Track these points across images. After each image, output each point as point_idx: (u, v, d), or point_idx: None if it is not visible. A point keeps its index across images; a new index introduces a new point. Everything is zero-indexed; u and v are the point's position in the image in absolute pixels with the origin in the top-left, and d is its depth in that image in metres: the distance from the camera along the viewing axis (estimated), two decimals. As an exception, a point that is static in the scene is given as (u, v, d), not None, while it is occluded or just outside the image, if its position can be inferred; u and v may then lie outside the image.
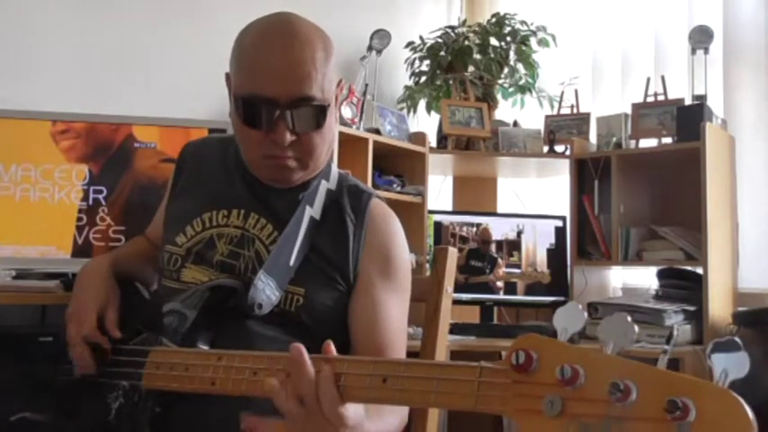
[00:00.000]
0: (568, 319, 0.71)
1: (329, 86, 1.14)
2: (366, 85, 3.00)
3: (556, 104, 3.24)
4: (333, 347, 0.88)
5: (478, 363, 0.74)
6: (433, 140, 3.10)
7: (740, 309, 2.66)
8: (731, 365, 0.62)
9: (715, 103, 2.84)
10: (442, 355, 1.35)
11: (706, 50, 2.81)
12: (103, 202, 2.09)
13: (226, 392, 0.94)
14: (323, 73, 1.12)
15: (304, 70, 1.10)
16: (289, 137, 1.11)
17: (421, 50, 3.29)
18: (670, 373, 0.62)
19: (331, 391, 0.82)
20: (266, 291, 1.12)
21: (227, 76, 1.19)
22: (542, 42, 3.27)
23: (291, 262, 1.15)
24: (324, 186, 1.24)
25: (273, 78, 1.09)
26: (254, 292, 1.11)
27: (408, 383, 0.79)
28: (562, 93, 3.23)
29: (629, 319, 0.67)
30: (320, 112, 1.13)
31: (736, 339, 0.62)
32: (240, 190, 1.24)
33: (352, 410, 0.84)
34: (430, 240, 2.97)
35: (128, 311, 1.20)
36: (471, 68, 3.24)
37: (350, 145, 2.66)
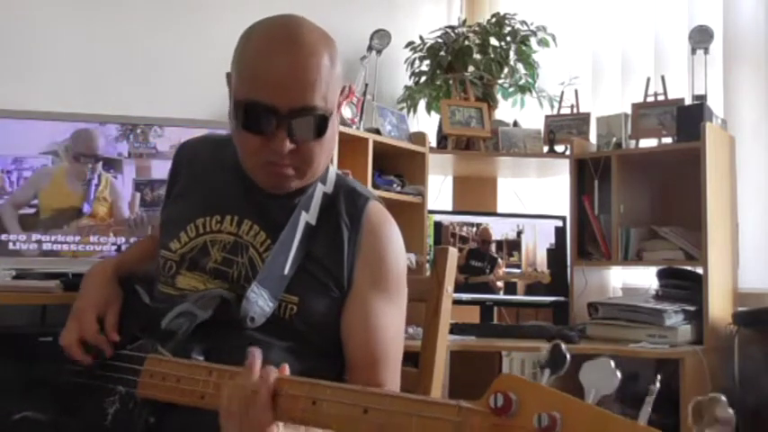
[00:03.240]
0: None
1: (332, 95, 1.12)
2: (366, 85, 3.00)
3: (556, 104, 3.24)
4: (287, 369, 0.92)
5: (458, 402, 0.73)
6: (433, 140, 3.09)
7: (740, 309, 2.66)
8: (715, 425, 0.61)
9: (715, 103, 2.84)
10: (442, 355, 1.35)
11: (706, 50, 2.81)
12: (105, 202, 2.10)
13: (215, 408, 0.93)
14: (326, 82, 1.09)
15: (307, 79, 1.07)
16: (288, 145, 1.09)
17: (421, 50, 3.29)
18: (649, 430, 0.61)
19: (263, 405, 0.86)
20: (259, 302, 1.10)
21: (228, 75, 1.17)
22: (542, 42, 3.27)
23: (286, 271, 1.14)
24: (320, 190, 1.21)
25: (275, 86, 1.07)
26: (246, 305, 1.09)
27: (388, 417, 0.79)
28: (562, 93, 3.23)
29: (612, 364, 0.66)
30: (321, 122, 1.11)
31: (723, 398, 0.61)
32: (235, 195, 1.22)
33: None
34: (430, 240, 2.97)
35: (128, 316, 1.19)
36: (471, 68, 3.24)
37: (350, 145, 2.66)
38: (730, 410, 0.61)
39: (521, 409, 0.67)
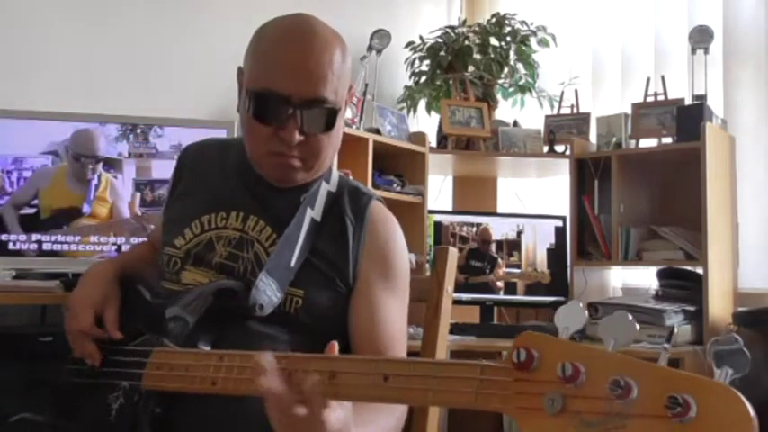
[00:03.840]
0: (570, 318, 0.71)
1: (342, 91, 1.15)
2: (366, 85, 3.00)
3: (556, 104, 3.24)
4: (336, 348, 0.89)
5: (479, 360, 0.74)
6: (433, 140, 3.10)
7: (740, 309, 2.66)
8: (732, 363, 0.62)
9: (715, 103, 2.84)
10: (442, 355, 1.35)
11: (706, 50, 2.81)
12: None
13: (227, 392, 0.93)
14: (338, 76, 1.12)
15: (321, 72, 1.10)
16: (297, 136, 1.11)
17: (421, 50, 3.29)
18: (671, 370, 0.62)
19: (319, 397, 0.82)
20: (267, 292, 1.11)
21: (240, 70, 1.20)
22: (542, 42, 3.27)
23: (292, 263, 1.15)
24: (324, 188, 1.24)
25: (289, 76, 1.10)
26: (255, 293, 1.10)
27: (409, 382, 0.79)
28: (562, 93, 3.23)
29: (630, 317, 0.67)
30: (331, 115, 1.13)
31: (737, 337, 0.62)
32: (239, 192, 1.23)
33: (334, 416, 0.84)
34: (430, 240, 2.97)
35: (129, 313, 1.20)
36: (471, 68, 3.24)
37: (350, 145, 2.66)
38: (746, 350, 0.62)
39: (543, 362, 0.68)
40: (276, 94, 1.10)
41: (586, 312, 0.71)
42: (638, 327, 0.67)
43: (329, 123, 1.14)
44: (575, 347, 0.67)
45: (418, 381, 0.78)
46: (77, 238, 2.07)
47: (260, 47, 1.14)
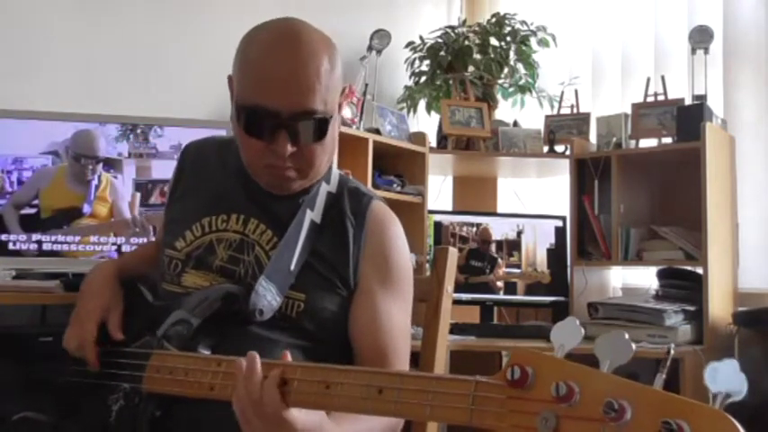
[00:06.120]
0: (565, 335, 0.71)
1: (333, 98, 1.14)
2: (366, 85, 3.00)
3: (556, 104, 3.24)
4: (288, 355, 0.92)
5: (474, 377, 0.74)
6: (433, 140, 3.09)
7: (740, 309, 2.66)
8: (729, 387, 0.61)
9: (715, 103, 2.84)
10: (442, 355, 1.35)
11: (706, 50, 2.81)
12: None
13: (224, 398, 0.94)
14: (326, 85, 1.11)
15: (308, 84, 1.09)
16: (289, 148, 1.11)
17: (421, 50, 3.29)
18: (666, 394, 0.62)
19: (274, 394, 0.86)
20: (267, 296, 1.11)
21: (230, 78, 1.19)
22: (542, 42, 3.27)
23: (292, 267, 1.15)
24: (324, 189, 1.23)
25: (276, 90, 1.09)
26: (255, 298, 1.10)
27: (404, 395, 0.79)
28: (562, 93, 3.23)
29: (626, 336, 0.67)
30: (322, 125, 1.13)
31: (735, 361, 0.62)
32: (240, 194, 1.23)
33: (302, 415, 0.87)
34: (430, 240, 2.97)
35: (131, 314, 1.20)
36: (471, 68, 3.24)
37: (350, 145, 2.66)
38: (741, 374, 0.61)
39: (537, 380, 0.68)
40: (265, 109, 1.09)
41: (583, 330, 0.70)
42: (634, 346, 0.66)
43: (320, 133, 1.13)
44: (569, 366, 0.67)
45: (413, 395, 0.78)
46: (77, 238, 2.07)
47: (246, 59, 1.13)
